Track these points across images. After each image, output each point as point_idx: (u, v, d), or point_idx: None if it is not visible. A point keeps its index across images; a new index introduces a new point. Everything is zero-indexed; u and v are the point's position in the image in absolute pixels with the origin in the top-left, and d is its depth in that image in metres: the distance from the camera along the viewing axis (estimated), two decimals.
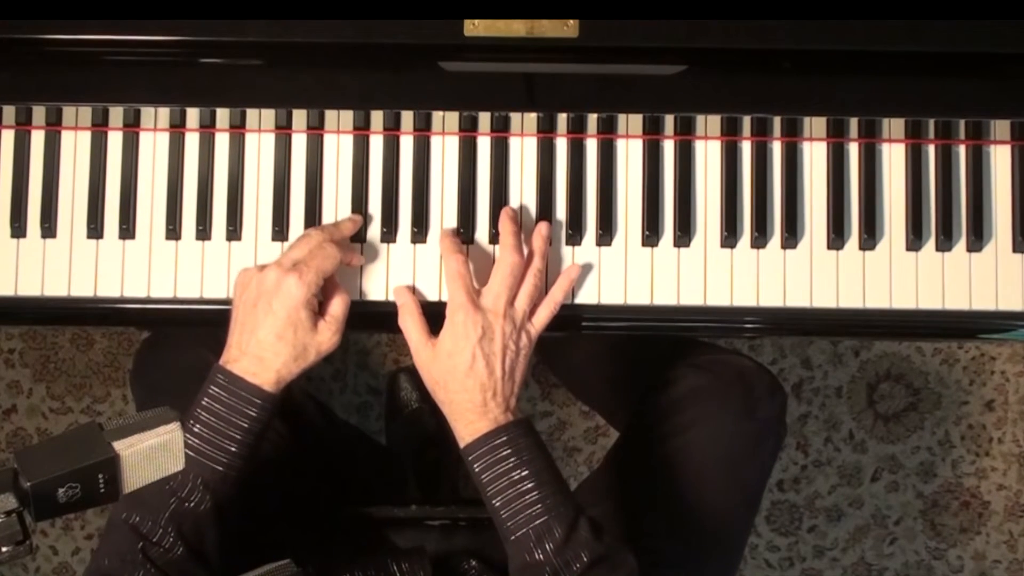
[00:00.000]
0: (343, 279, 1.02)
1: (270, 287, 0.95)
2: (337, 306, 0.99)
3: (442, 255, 1.02)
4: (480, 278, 1.02)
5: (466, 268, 0.99)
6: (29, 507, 0.74)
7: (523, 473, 0.93)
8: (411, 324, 0.99)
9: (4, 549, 0.73)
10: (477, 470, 0.94)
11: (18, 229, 1.04)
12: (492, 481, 0.93)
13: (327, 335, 0.97)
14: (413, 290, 1.03)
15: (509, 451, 0.93)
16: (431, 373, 0.98)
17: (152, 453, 0.79)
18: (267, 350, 0.95)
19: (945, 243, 1.04)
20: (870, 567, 1.83)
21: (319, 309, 0.98)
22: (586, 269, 1.04)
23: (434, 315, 1.00)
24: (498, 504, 0.93)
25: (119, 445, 0.78)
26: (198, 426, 0.93)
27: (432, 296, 1.04)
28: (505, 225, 1.01)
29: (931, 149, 1.06)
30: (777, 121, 1.05)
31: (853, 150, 1.05)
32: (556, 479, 0.94)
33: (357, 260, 1.03)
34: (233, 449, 0.93)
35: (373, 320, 1.04)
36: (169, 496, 0.91)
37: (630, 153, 1.05)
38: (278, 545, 0.96)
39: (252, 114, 1.05)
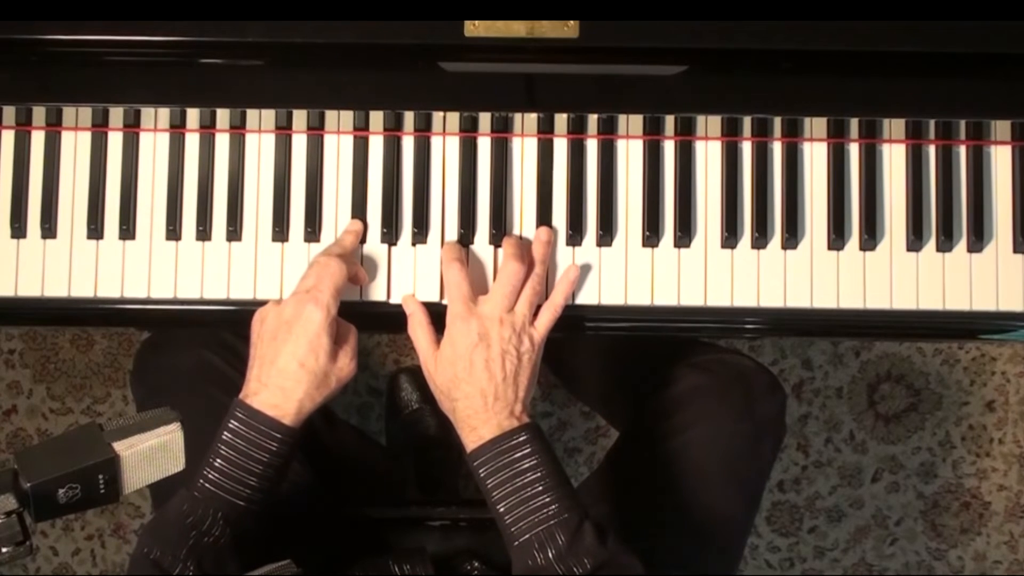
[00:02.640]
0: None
1: (289, 316, 0.95)
2: (349, 333, 0.99)
3: (442, 264, 1.02)
4: (479, 282, 1.02)
5: (463, 276, 0.99)
6: (29, 508, 0.74)
7: (526, 479, 0.92)
8: (420, 334, 1.00)
9: (4, 550, 0.73)
10: (482, 476, 0.94)
11: (18, 230, 1.04)
12: (496, 487, 0.93)
13: (345, 362, 0.98)
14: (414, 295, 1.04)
15: (512, 457, 0.93)
16: (435, 382, 0.98)
17: (152, 454, 0.80)
18: (289, 379, 0.94)
19: (946, 244, 1.04)
20: (871, 568, 1.83)
21: (335, 339, 0.98)
22: (586, 270, 1.04)
23: (436, 316, 1.00)
24: (502, 510, 0.93)
25: (119, 446, 0.78)
26: (219, 461, 0.93)
27: (433, 297, 1.04)
28: (507, 238, 1.02)
29: (932, 150, 1.05)
30: (777, 122, 1.05)
31: (854, 151, 1.05)
32: (561, 483, 0.93)
33: (363, 276, 1.03)
34: (253, 483, 0.93)
35: (374, 321, 1.04)
36: (189, 530, 0.91)
37: (630, 154, 1.05)
38: (279, 546, 0.96)
39: (252, 114, 1.05)
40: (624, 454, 1.21)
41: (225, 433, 0.94)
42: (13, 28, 0.97)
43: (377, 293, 1.04)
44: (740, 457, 1.11)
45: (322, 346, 0.95)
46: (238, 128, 1.05)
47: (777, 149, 1.05)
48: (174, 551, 0.90)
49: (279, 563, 0.85)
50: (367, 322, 1.03)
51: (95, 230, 1.04)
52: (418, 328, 1.00)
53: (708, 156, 1.05)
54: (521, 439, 0.94)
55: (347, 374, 0.98)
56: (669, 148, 1.05)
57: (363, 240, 1.04)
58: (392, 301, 1.04)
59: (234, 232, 1.04)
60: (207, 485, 0.92)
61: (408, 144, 1.05)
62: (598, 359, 1.42)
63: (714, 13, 0.96)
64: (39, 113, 1.05)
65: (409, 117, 1.05)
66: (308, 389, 0.95)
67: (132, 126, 1.05)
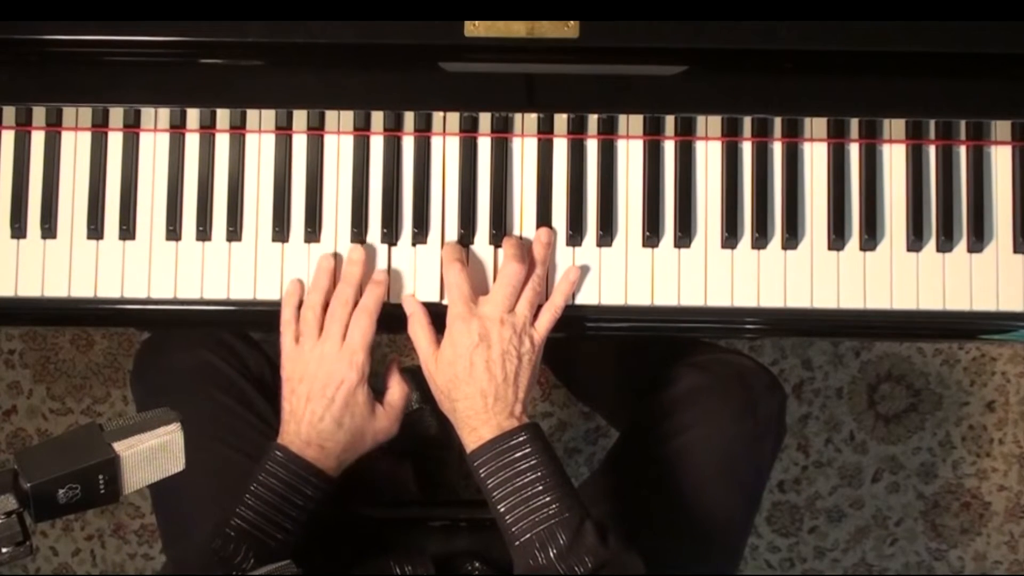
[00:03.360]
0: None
1: (324, 379, 0.98)
2: (396, 396, 1.03)
3: (442, 264, 1.02)
4: (480, 283, 1.02)
5: (463, 277, 0.99)
6: (29, 508, 0.74)
7: (526, 479, 0.93)
8: (421, 334, 1.00)
9: (4, 550, 0.73)
10: (482, 476, 0.94)
11: (18, 230, 1.04)
12: (496, 487, 0.93)
13: (385, 423, 1.01)
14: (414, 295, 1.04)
15: (512, 457, 0.93)
16: (436, 382, 0.99)
17: (152, 454, 0.79)
18: (328, 439, 0.98)
19: (946, 244, 1.04)
20: (871, 568, 1.83)
21: (380, 399, 1.02)
22: (587, 270, 1.04)
23: (436, 316, 1.00)
24: (503, 510, 0.93)
25: (119, 446, 0.77)
26: (253, 499, 0.95)
27: (433, 297, 1.04)
28: (507, 239, 1.03)
29: (932, 150, 1.05)
30: (778, 122, 1.05)
31: (854, 151, 1.05)
32: (562, 483, 0.94)
33: (381, 290, 1.02)
34: (288, 527, 0.95)
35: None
36: (218, 565, 0.92)
37: (631, 154, 1.05)
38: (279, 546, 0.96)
39: (252, 115, 1.05)
40: (624, 454, 1.21)
41: (262, 474, 0.96)
42: (13, 28, 0.97)
43: None
44: (740, 457, 1.11)
45: (357, 404, 0.98)
46: (238, 128, 1.05)
47: (777, 149, 1.05)
48: None
49: (279, 563, 0.85)
50: None
51: (95, 230, 1.04)
52: (418, 328, 1.00)
53: (708, 156, 1.05)
54: (521, 439, 0.94)
55: (385, 436, 1.02)
56: (669, 148, 1.05)
57: (363, 240, 1.04)
58: (392, 301, 1.04)
59: (234, 232, 1.04)
60: (240, 523, 0.94)
61: (408, 144, 1.05)
62: (598, 359, 1.42)
63: (714, 13, 0.95)
64: (39, 113, 1.05)
65: (409, 117, 1.05)
66: (345, 446, 0.99)
67: (132, 126, 1.05)
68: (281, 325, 1.02)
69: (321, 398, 0.98)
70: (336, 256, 1.04)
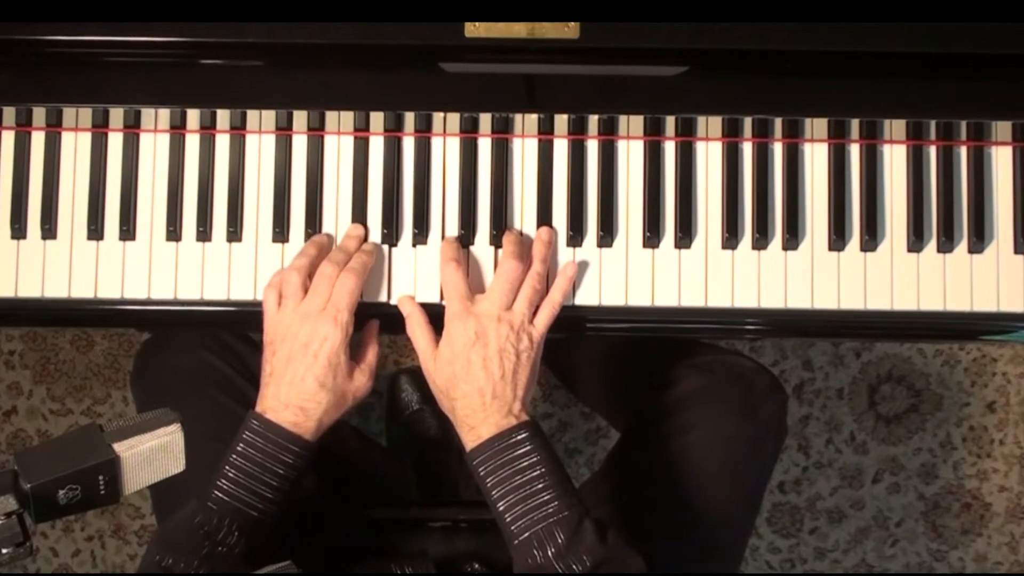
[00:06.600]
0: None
1: (307, 337, 0.96)
2: (371, 353, 1.01)
3: (440, 263, 1.02)
4: (479, 283, 1.02)
5: (460, 275, 0.99)
6: (29, 508, 0.74)
7: (526, 477, 0.92)
8: (419, 333, 1.00)
9: (4, 551, 0.73)
10: (481, 475, 0.94)
11: (18, 230, 1.04)
12: (496, 486, 0.93)
13: (362, 381, 1.00)
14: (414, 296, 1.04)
15: (511, 455, 0.93)
16: (435, 382, 0.98)
17: (152, 455, 0.79)
18: (310, 400, 0.96)
19: (946, 244, 1.04)
20: (871, 569, 1.83)
21: (353, 356, 1.00)
22: (587, 270, 1.04)
23: (436, 316, 1.00)
24: (502, 508, 0.93)
25: (119, 447, 0.77)
26: (233, 471, 0.94)
27: (434, 298, 1.04)
28: (507, 236, 1.02)
29: (932, 150, 1.05)
30: (778, 122, 1.05)
31: (854, 151, 1.05)
32: (561, 481, 0.93)
33: (370, 259, 1.02)
34: (268, 495, 0.94)
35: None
36: (203, 540, 0.91)
37: (631, 154, 1.05)
38: (280, 547, 0.96)
39: (253, 115, 1.05)
40: (625, 455, 1.21)
41: (240, 445, 0.95)
42: (13, 28, 0.97)
43: (377, 294, 1.04)
44: (741, 458, 1.11)
45: (340, 365, 0.97)
46: (238, 129, 1.05)
47: (778, 150, 1.05)
48: (187, 559, 0.90)
49: (280, 564, 0.85)
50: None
51: (95, 231, 1.04)
52: (416, 328, 1.00)
53: (709, 157, 1.05)
54: (520, 437, 0.94)
55: (363, 393, 1.00)
56: (670, 149, 1.05)
57: (363, 241, 1.04)
58: (392, 302, 1.04)
59: (234, 233, 1.04)
60: (221, 495, 0.93)
61: (408, 145, 1.05)
62: (599, 360, 1.42)
63: (714, 14, 0.95)
64: (39, 114, 1.05)
65: (409, 118, 1.05)
66: (327, 408, 0.97)
67: (132, 127, 1.05)
68: (265, 289, 1.00)
69: (303, 356, 0.96)
70: (330, 238, 1.04)
